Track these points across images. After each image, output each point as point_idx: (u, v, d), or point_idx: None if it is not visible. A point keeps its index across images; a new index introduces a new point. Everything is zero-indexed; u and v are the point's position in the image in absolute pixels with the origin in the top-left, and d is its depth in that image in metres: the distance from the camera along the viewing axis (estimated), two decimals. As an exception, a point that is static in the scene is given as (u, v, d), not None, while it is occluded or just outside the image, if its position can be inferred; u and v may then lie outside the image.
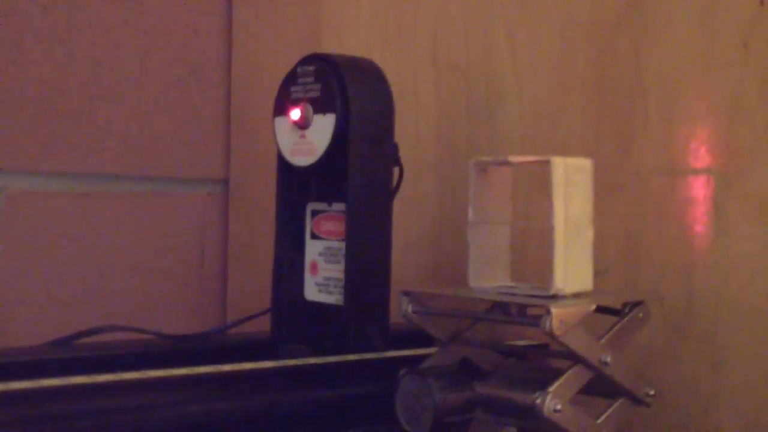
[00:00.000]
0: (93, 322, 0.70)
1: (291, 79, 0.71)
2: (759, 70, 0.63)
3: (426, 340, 0.76)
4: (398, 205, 0.71)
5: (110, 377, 0.56)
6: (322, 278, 0.71)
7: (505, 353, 0.63)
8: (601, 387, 0.58)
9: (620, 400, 0.59)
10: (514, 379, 0.58)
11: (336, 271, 0.70)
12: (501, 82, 0.78)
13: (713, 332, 0.64)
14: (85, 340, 0.68)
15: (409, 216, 0.82)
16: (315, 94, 0.69)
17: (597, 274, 0.70)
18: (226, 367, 0.60)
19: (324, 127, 0.68)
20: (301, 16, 0.95)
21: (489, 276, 0.62)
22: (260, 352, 0.63)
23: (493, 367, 0.61)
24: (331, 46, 0.92)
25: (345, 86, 0.68)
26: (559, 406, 0.55)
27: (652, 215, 0.68)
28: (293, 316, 0.72)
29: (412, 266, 0.83)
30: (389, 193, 0.70)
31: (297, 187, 0.73)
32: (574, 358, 0.56)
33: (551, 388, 0.55)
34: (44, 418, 0.52)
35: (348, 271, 0.68)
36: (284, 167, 0.72)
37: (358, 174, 0.68)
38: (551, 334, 0.54)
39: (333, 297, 0.71)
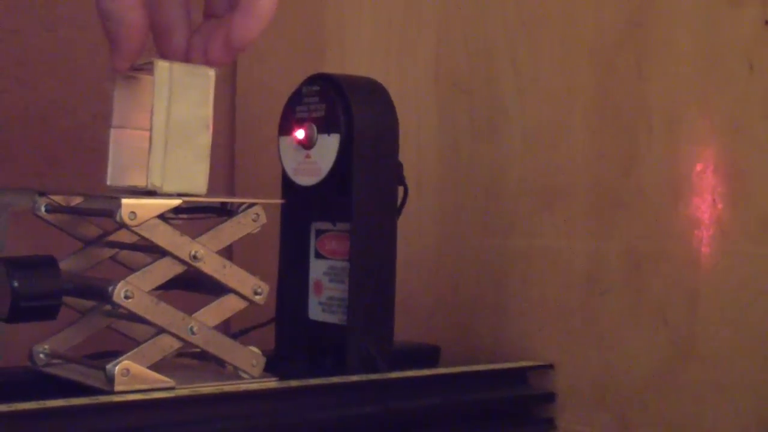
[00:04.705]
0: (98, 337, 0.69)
1: (296, 99, 0.71)
2: (763, 90, 0.63)
3: (431, 360, 0.76)
4: (400, 222, 0.71)
5: (109, 399, 0.56)
6: (326, 298, 0.71)
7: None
8: (210, 285, 0.62)
9: (226, 296, 0.62)
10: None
11: (340, 290, 0.70)
12: (503, 100, 0.78)
13: (718, 353, 0.64)
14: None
15: (411, 233, 0.81)
16: (320, 114, 0.69)
17: (600, 293, 0.70)
18: (228, 387, 0.60)
19: (328, 146, 0.68)
20: (305, 36, 0.95)
21: (127, 177, 0.64)
22: (263, 371, 0.63)
23: None
24: (334, 66, 0.92)
25: (349, 106, 0.68)
26: (131, 294, 0.57)
27: (656, 235, 0.68)
28: (297, 336, 0.72)
29: (414, 284, 0.83)
30: (394, 212, 0.70)
31: (301, 207, 0.73)
32: (161, 252, 0.59)
33: (127, 278, 0.58)
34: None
35: (352, 291, 0.68)
36: (289, 187, 0.72)
37: (362, 193, 0.68)
38: (123, 224, 0.57)
39: (336, 317, 0.70)
